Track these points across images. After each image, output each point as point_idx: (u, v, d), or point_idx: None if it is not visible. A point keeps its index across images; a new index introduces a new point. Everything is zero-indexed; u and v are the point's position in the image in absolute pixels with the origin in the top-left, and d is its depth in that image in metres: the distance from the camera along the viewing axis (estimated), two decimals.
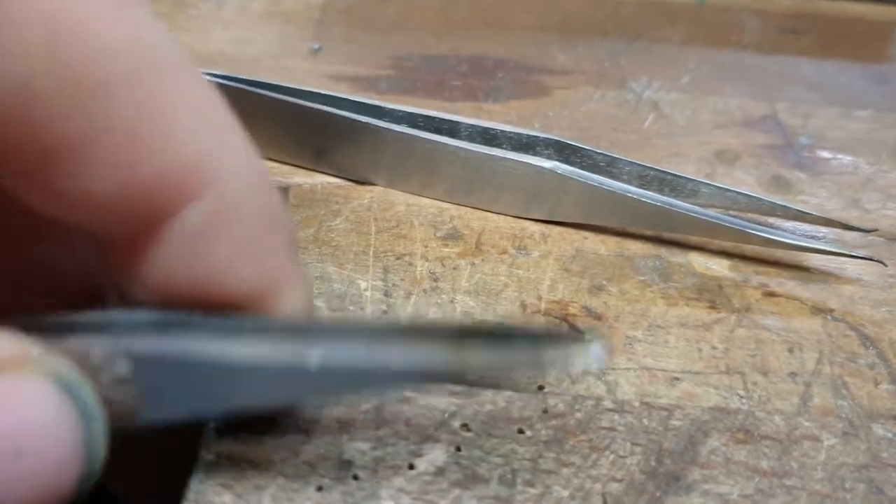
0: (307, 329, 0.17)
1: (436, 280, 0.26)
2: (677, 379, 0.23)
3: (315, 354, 0.17)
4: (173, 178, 0.15)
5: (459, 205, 0.29)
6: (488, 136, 0.28)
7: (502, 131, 0.28)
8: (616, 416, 0.22)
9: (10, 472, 0.13)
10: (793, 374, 0.24)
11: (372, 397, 0.22)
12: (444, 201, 0.29)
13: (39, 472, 0.14)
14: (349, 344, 0.17)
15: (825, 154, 0.33)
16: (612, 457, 0.21)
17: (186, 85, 0.15)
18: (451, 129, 0.29)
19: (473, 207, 0.29)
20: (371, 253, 0.27)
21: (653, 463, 0.21)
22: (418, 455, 0.21)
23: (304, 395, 0.19)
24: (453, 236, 0.28)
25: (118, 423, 0.16)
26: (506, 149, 0.28)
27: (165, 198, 0.15)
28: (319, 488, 0.20)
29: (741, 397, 0.23)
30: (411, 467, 0.21)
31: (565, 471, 0.21)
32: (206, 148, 0.15)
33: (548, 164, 0.27)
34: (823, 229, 0.29)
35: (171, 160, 0.15)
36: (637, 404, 0.23)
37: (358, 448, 0.21)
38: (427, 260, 0.27)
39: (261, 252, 0.17)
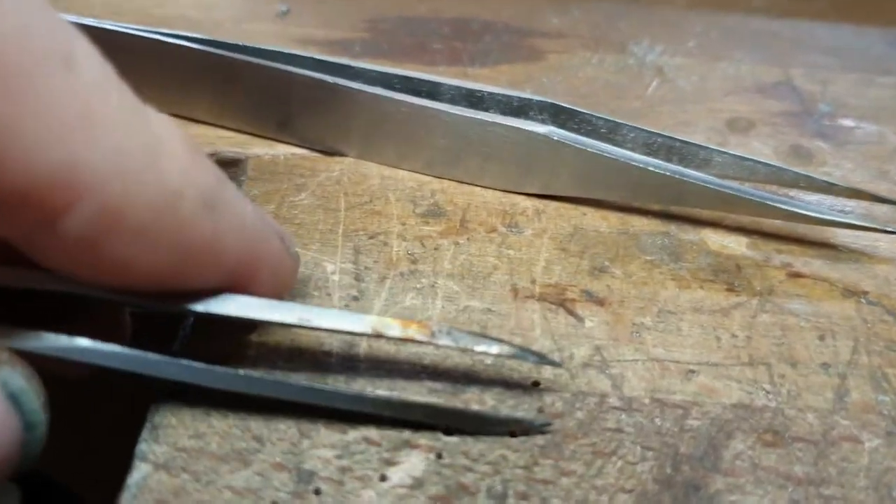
0: None
1: (414, 262, 0.23)
2: (693, 371, 0.20)
3: None
4: (35, 191, 0.14)
5: (441, 178, 0.26)
6: (474, 100, 0.25)
7: (490, 94, 0.25)
8: (623, 416, 0.19)
9: None
10: (825, 366, 0.21)
11: None
12: (424, 174, 0.26)
13: None
14: None
15: (848, 122, 0.30)
16: (619, 463, 0.18)
17: (48, 87, 0.14)
18: (432, 91, 0.25)
19: (458, 181, 0.26)
20: (340, 232, 0.23)
21: (668, 470, 0.18)
22: (392, 464, 0.18)
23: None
24: (435, 213, 0.24)
25: None
26: (494, 113, 0.25)
27: (32, 210, 0.14)
28: None
29: (767, 392, 0.20)
30: (383, 479, 0.18)
31: (565, 481, 0.18)
32: (72, 156, 0.14)
33: (542, 129, 0.24)
34: (851, 203, 0.26)
35: (31, 170, 0.14)
36: (647, 401, 0.19)
37: (321, 456, 0.18)
38: (404, 239, 0.23)
39: (170, 246, 0.16)
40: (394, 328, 0.18)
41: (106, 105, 0.15)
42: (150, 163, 0.15)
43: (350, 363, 0.20)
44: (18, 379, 0.16)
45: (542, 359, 0.19)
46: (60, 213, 0.14)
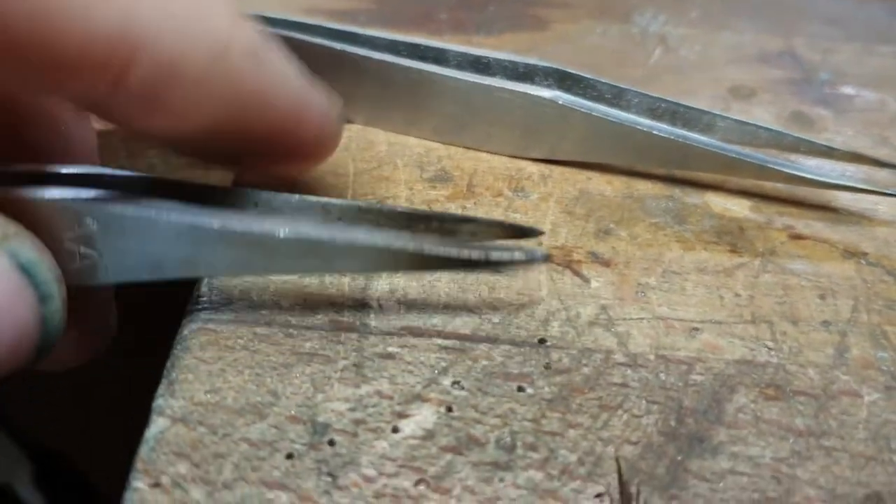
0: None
1: None
2: (697, 329, 0.21)
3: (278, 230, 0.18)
4: (96, 49, 0.14)
5: (448, 144, 0.26)
6: (480, 66, 0.25)
7: (496, 59, 0.25)
8: (629, 371, 0.19)
9: None
10: (826, 323, 0.21)
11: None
12: (431, 140, 0.26)
13: None
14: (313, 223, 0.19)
15: (849, 90, 0.30)
16: (625, 416, 0.18)
17: None
18: (438, 57, 0.25)
19: (464, 147, 0.26)
20: (349, 196, 0.24)
21: (672, 423, 0.18)
22: (404, 416, 0.18)
23: (267, 264, 0.19)
24: (442, 178, 0.25)
25: (80, 280, 0.18)
26: (500, 79, 0.25)
27: (95, 69, 0.15)
28: (289, 455, 0.17)
29: (770, 349, 0.20)
30: (396, 430, 0.18)
31: (572, 432, 0.18)
32: (125, 14, 0.15)
33: (548, 93, 0.24)
34: (851, 168, 0.26)
35: (89, 31, 0.14)
36: (652, 358, 0.20)
37: (334, 409, 0.18)
38: (413, 204, 0.24)
39: (223, 95, 0.17)
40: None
41: None
42: (197, 18, 0.16)
43: (363, 324, 0.20)
44: (29, 250, 0.16)
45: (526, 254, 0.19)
46: (122, 69, 0.15)
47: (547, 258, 0.20)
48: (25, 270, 0.15)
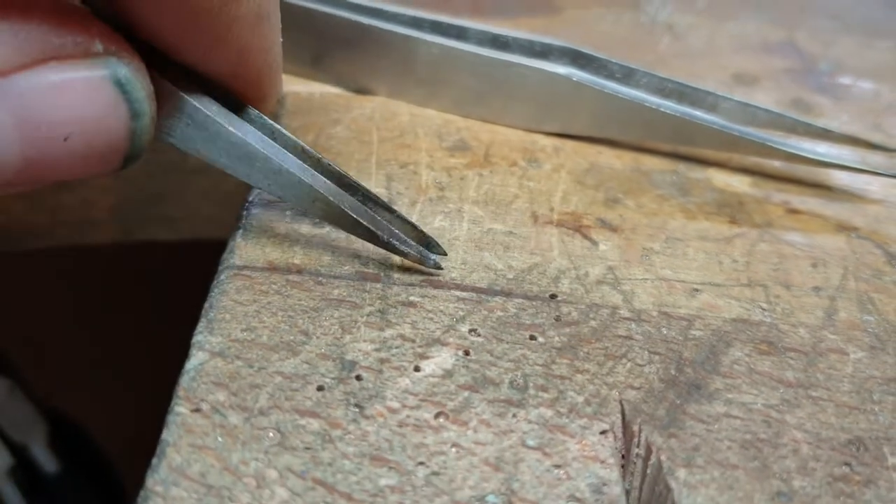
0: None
1: (442, 189, 0.25)
2: (697, 290, 0.22)
3: None
4: None
5: (467, 116, 0.27)
6: (499, 44, 0.27)
7: (514, 38, 0.27)
8: (633, 325, 0.21)
9: (57, 151, 0.16)
10: (817, 289, 0.23)
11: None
12: (450, 112, 0.27)
13: (84, 154, 0.16)
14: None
15: (846, 80, 0.32)
16: (629, 365, 0.20)
17: None
18: (459, 34, 0.27)
19: (482, 119, 0.27)
20: (374, 161, 0.25)
21: (672, 371, 0.20)
22: (425, 357, 0.20)
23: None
24: (460, 147, 0.26)
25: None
26: (518, 56, 0.27)
27: None
28: (320, 388, 0.19)
29: (764, 310, 0.22)
30: (417, 369, 0.19)
31: (580, 377, 0.20)
32: None
33: (563, 70, 0.26)
34: (847, 150, 0.28)
35: None
36: (655, 314, 0.21)
37: (361, 349, 0.20)
38: (433, 170, 0.25)
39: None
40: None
41: None
42: None
43: (386, 276, 0.22)
44: (125, 68, 0.16)
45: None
46: None
47: (438, 267, 0.22)
48: (120, 86, 0.16)
